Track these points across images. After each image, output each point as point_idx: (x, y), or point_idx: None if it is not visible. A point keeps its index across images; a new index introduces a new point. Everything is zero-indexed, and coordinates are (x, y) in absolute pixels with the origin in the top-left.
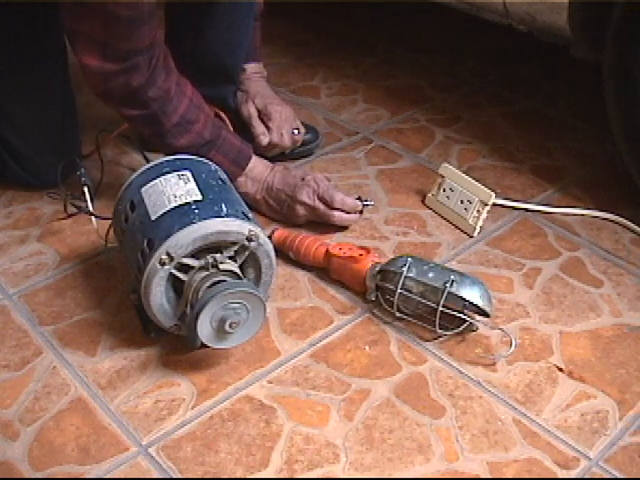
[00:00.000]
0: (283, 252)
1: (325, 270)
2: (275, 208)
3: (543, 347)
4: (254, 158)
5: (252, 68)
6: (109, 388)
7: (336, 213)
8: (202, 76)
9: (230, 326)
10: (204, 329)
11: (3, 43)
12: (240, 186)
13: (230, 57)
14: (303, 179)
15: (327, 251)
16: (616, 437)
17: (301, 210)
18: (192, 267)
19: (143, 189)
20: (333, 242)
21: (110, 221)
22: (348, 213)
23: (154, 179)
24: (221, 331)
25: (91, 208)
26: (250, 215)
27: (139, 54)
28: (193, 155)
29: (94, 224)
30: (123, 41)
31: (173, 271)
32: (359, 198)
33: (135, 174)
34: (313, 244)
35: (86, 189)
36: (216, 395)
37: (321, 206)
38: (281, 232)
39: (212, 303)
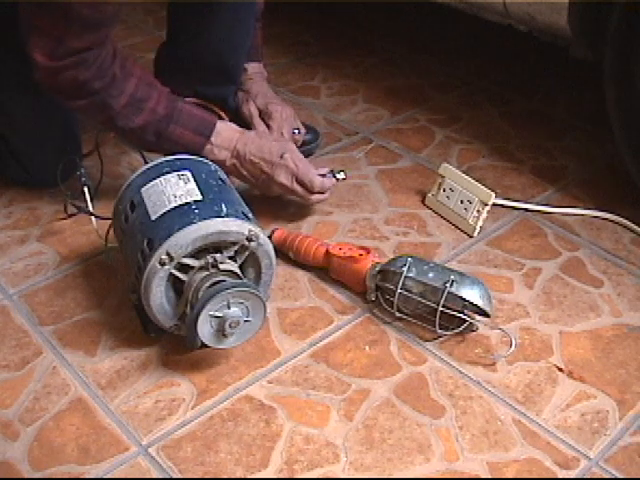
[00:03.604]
0: (283, 252)
1: (325, 270)
2: (249, 179)
3: (543, 347)
4: (220, 124)
5: (253, 68)
6: (109, 388)
7: (314, 197)
8: (203, 76)
9: (230, 326)
10: (204, 329)
11: (4, 43)
12: (208, 154)
13: (231, 57)
14: (281, 156)
15: (327, 251)
16: (616, 437)
17: (277, 189)
18: (192, 267)
19: (143, 189)
20: (333, 242)
21: (110, 221)
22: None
23: (154, 179)
24: (221, 331)
25: (91, 208)
26: (250, 215)
27: (89, 51)
28: (156, 135)
29: (94, 224)
30: (77, 40)
31: (173, 271)
32: (332, 172)
33: (135, 174)
34: (313, 244)
35: (86, 189)
36: (216, 395)
37: (299, 189)
38: (281, 232)
39: (212, 303)
